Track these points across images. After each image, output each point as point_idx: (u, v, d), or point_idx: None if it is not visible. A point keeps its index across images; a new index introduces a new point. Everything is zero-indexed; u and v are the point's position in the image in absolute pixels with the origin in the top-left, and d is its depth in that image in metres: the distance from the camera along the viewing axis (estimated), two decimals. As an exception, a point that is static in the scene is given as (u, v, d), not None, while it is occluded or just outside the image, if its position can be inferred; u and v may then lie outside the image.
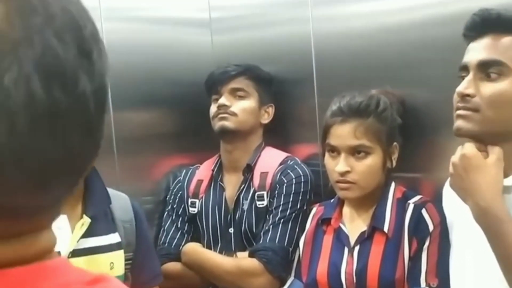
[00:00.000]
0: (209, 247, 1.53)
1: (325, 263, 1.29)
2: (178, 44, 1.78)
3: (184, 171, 1.64)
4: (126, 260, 1.22)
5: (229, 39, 1.79)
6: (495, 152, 1.01)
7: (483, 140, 1.03)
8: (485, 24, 1.02)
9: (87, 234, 1.15)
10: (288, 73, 1.63)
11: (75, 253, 1.13)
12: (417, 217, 1.24)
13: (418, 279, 1.20)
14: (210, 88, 1.56)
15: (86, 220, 1.16)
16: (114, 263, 1.18)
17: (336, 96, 1.34)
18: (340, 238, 1.30)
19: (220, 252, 1.50)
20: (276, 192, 1.45)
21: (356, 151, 1.25)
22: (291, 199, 1.43)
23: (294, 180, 1.45)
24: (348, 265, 1.26)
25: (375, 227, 1.26)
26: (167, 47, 1.76)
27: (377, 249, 1.25)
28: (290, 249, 1.41)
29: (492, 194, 0.98)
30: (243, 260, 1.42)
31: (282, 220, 1.42)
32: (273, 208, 1.44)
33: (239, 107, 1.51)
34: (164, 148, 1.74)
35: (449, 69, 1.10)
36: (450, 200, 1.18)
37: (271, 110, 1.57)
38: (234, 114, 1.50)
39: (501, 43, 1.00)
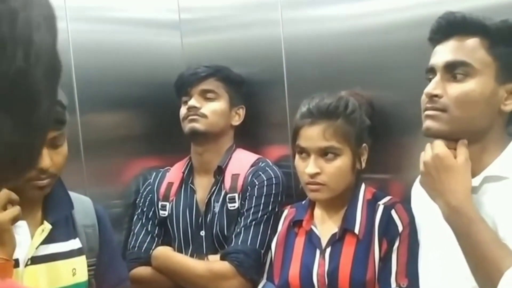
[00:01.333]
0: (180, 251, 1.51)
1: (297, 265, 1.29)
2: (147, 45, 1.76)
3: (154, 173, 1.62)
4: (89, 266, 1.19)
5: (199, 40, 1.78)
6: (463, 152, 1.03)
7: (452, 139, 1.04)
8: (450, 27, 1.04)
9: (47, 240, 1.12)
10: (258, 75, 1.63)
11: (34, 260, 1.10)
12: (387, 218, 1.25)
13: (388, 279, 1.21)
14: (180, 89, 1.54)
15: (47, 226, 1.13)
16: (76, 269, 1.15)
17: (306, 98, 1.34)
18: (312, 240, 1.30)
19: (192, 255, 1.48)
20: (248, 194, 1.44)
21: (325, 153, 1.26)
22: (262, 201, 1.43)
23: (265, 182, 1.45)
24: (320, 267, 1.26)
25: (346, 228, 1.27)
26: (136, 48, 1.73)
27: (348, 250, 1.25)
28: (262, 251, 1.40)
29: (463, 194, 0.99)
30: (215, 263, 1.41)
31: (253, 222, 1.41)
32: (244, 210, 1.43)
33: (209, 108, 1.50)
34: (134, 150, 1.72)
35: (417, 72, 1.12)
36: (419, 200, 1.19)
37: (242, 111, 1.57)
38: (204, 116, 1.48)
39: (466, 44, 1.02)
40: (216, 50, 1.71)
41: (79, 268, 1.16)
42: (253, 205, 1.43)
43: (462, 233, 0.98)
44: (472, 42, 1.02)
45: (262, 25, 1.64)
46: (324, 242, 1.28)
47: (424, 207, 1.17)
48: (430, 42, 1.09)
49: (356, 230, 1.25)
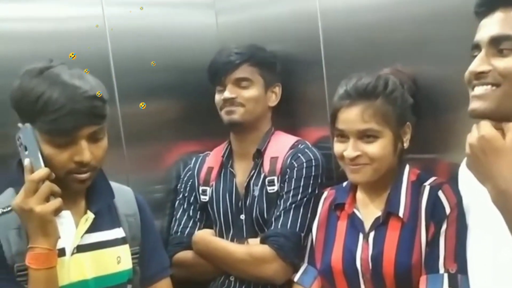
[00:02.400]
0: (221, 234, 1.52)
1: (339, 249, 1.26)
2: (182, 27, 1.73)
3: (194, 158, 1.62)
4: (132, 254, 1.21)
5: (234, 19, 1.74)
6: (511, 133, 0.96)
7: (500, 119, 0.98)
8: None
9: (91, 229, 1.15)
10: (295, 52, 1.58)
11: (80, 248, 1.13)
12: (433, 200, 1.20)
13: (436, 264, 1.16)
14: (213, 78, 1.52)
15: (90, 216, 1.15)
16: (121, 258, 1.18)
17: (345, 75, 1.29)
18: (355, 224, 1.27)
19: (232, 239, 1.48)
20: (287, 176, 1.42)
21: (365, 135, 1.21)
22: (302, 184, 1.40)
23: (304, 164, 1.42)
24: (363, 251, 1.23)
25: (390, 212, 1.23)
26: (172, 32, 1.71)
27: (392, 234, 1.21)
28: (302, 234, 1.38)
29: (511, 176, 0.93)
30: (255, 247, 1.41)
31: (293, 205, 1.39)
32: (283, 193, 1.41)
33: (246, 97, 1.46)
34: (173, 136, 1.72)
35: (463, 45, 1.05)
36: (467, 182, 1.13)
37: (278, 89, 1.53)
38: (241, 105, 1.46)
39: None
40: (251, 28, 1.67)
41: (124, 256, 1.19)
42: (292, 187, 1.40)
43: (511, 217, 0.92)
44: None
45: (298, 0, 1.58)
46: (367, 226, 1.25)
47: (472, 189, 1.11)
48: (475, 16, 1.03)
49: (401, 214, 1.21)
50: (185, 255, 1.49)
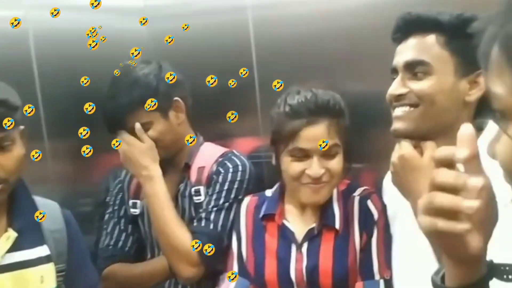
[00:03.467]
0: (152, 250, 1.48)
1: (272, 261, 1.26)
2: (111, 34, 1.68)
3: (125, 171, 1.57)
4: (58, 272, 1.16)
5: (165, 28, 1.71)
6: (429, 149, 1.02)
7: (419, 137, 1.05)
8: (407, 26, 1.06)
9: (13, 248, 1.09)
10: (227, 62, 1.58)
11: (0, 269, 1.07)
12: (364, 210, 1.24)
13: (371, 271, 1.20)
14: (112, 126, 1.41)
15: (12, 234, 1.09)
16: (44, 277, 1.12)
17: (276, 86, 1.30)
18: (286, 235, 1.27)
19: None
20: (213, 182, 1.40)
21: (329, 153, 1.20)
22: (226, 188, 1.38)
23: (231, 169, 1.40)
24: (297, 262, 1.23)
25: (326, 224, 1.24)
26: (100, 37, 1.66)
27: (327, 245, 1.23)
28: (224, 237, 1.36)
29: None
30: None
31: (215, 209, 1.36)
32: (208, 195, 1.39)
33: (155, 134, 1.39)
34: (103, 147, 1.66)
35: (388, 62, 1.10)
36: (392, 192, 1.18)
37: (179, 104, 1.42)
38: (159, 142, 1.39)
39: (424, 42, 1.04)
40: (181, 37, 1.65)
41: (47, 275, 1.13)
42: (216, 191, 1.38)
43: None
44: (429, 39, 1.03)
45: (229, 11, 1.58)
46: (299, 237, 1.26)
47: (399, 199, 1.16)
48: (393, 42, 1.09)
49: (337, 226, 1.23)
50: (120, 267, 1.45)
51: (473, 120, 1.05)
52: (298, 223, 1.28)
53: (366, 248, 1.22)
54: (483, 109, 1.05)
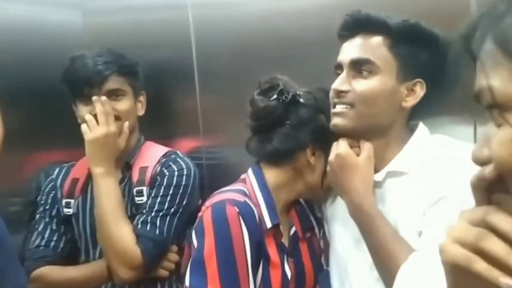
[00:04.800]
0: (87, 251, 1.43)
1: (277, 274, 1.14)
2: (46, 26, 1.61)
3: (58, 169, 1.50)
4: None
5: (103, 21, 1.66)
6: (366, 149, 1.05)
7: (357, 136, 1.07)
8: (356, 25, 1.06)
9: None
10: (166, 60, 1.56)
11: None
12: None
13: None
14: (77, 90, 1.38)
15: None
16: None
17: (218, 85, 1.29)
18: (280, 244, 1.17)
19: (100, 256, 1.40)
20: (157, 184, 1.37)
21: None
22: (171, 192, 1.36)
23: (176, 172, 1.39)
24: (291, 271, 1.17)
25: (307, 226, 1.25)
26: (34, 29, 1.58)
27: (304, 247, 1.23)
28: (169, 243, 1.35)
29: (364, 191, 1.03)
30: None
31: (160, 213, 1.34)
32: (151, 197, 1.36)
33: (121, 108, 1.38)
34: (34, 144, 1.59)
35: (326, 65, 1.11)
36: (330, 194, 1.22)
37: (143, 98, 1.48)
38: (117, 118, 1.37)
39: (371, 43, 1.05)
40: (120, 32, 1.60)
41: None
42: (160, 194, 1.35)
43: (365, 228, 1.02)
44: (376, 40, 1.04)
45: (170, 7, 1.56)
46: (287, 243, 1.20)
47: (334, 201, 1.19)
48: (338, 38, 1.10)
49: (315, 224, 1.26)
50: (51, 270, 1.39)
51: (407, 123, 1.10)
52: (283, 230, 1.20)
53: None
54: (415, 113, 1.09)
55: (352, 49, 1.06)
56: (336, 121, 1.06)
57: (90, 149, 1.34)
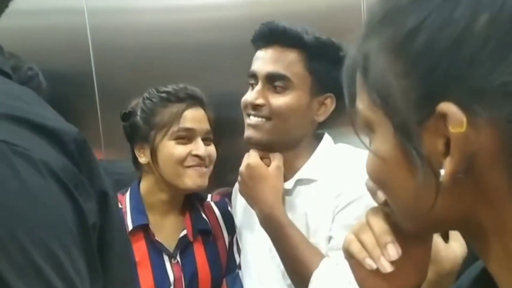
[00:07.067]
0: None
1: (149, 277, 1.17)
2: None
3: None
4: None
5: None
6: (276, 160, 1.08)
7: (270, 148, 1.09)
8: (272, 35, 1.06)
9: None
10: (64, 67, 1.46)
11: None
12: (226, 213, 1.29)
13: (234, 267, 1.28)
14: None
15: None
16: None
17: (118, 94, 1.23)
18: (156, 247, 1.19)
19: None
20: None
21: (208, 136, 1.24)
22: None
23: None
24: (175, 273, 1.18)
25: (201, 229, 1.24)
26: None
27: (200, 250, 1.23)
28: None
29: (273, 201, 1.05)
30: None
31: None
32: None
33: None
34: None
35: (239, 73, 1.13)
36: (240, 204, 1.23)
37: None
38: None
39: (286, 57, 1.05)
40: (17, 37, 1.47)
41: None
42: None
43: (276, 237, 1.04)
44: (291, 55, 1.04)
45: (66, 13, 1.47)
46: (170, 247, 1.20)
47: (244, 211, 1.20)
48: (253, 45, 1.10)
49: (210, 227, 1.26)
50: None
51: (314, 135, 1.14)
52: (166, 232, 1.22)
53: (229, 248, 1.28)
54: (321, 123, 1.12)
55: (268, 61, 1.05)
56: (250, 133, 1.07)
57: None
